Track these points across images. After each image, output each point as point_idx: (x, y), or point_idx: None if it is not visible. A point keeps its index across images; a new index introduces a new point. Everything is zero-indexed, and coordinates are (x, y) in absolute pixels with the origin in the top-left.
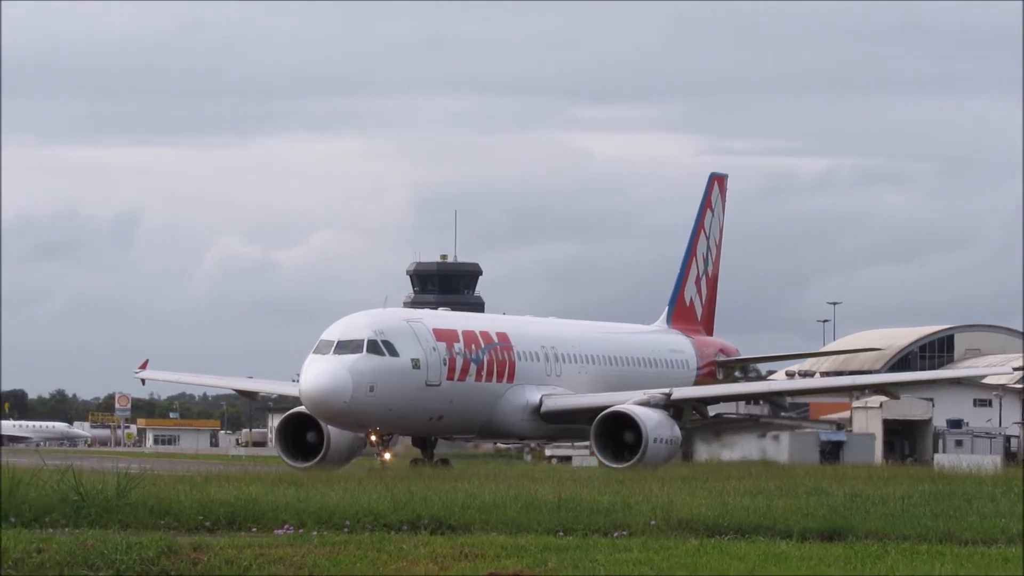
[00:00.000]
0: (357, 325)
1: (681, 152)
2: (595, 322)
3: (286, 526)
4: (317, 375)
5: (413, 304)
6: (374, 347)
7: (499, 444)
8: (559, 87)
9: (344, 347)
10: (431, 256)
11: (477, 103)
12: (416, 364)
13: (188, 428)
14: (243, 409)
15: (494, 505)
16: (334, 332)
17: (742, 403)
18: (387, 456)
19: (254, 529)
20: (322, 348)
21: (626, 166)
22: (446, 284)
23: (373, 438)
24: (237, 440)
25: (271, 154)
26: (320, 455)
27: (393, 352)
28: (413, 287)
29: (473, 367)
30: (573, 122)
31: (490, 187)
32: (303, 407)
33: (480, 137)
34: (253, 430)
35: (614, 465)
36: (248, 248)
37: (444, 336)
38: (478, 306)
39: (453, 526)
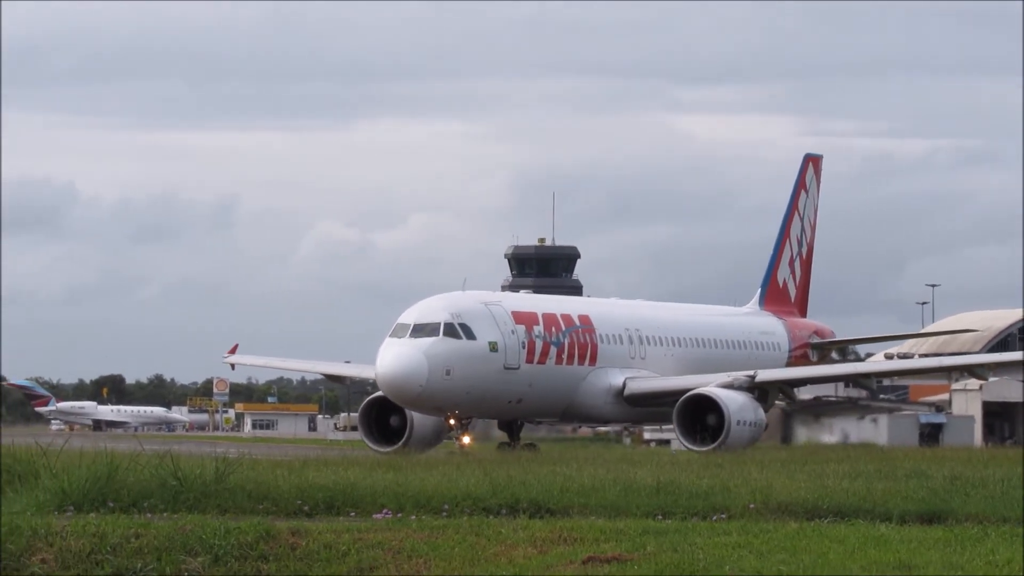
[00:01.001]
0: (434, 308)
1: (780, 134)
2: (683, 304)
3: (384, 510)
4: (393, 359)
5: (511, 288)
6: (451, 330)
7: (590, 428)
8: (658, 69)
9: (420, 330)
10: (529, 239)
11: (576, 85)
12: (494, 347)
13: (286, 413)
14: (341, 393)
15: (592, 489)
16: (410, 315)
17: (841, 385)
18: (466, 440)
19: (352, 514)
20: (398, 332)
21: (724, 148)
22: (544, 267)
23: (452, 422)
24: (335, 424)
25: (369, 137)
26: (403, 439)
27: (470, 335)
28: (511, 270)
29: (553, 350)
30: (672, 104)
31: (588, 169)
32: None
33: (579, 119)
34: (351, 414)
35: (696, 448)
36: (346, 231)
37: (523, 319)
38: (576, 290)
39: (552, 510)
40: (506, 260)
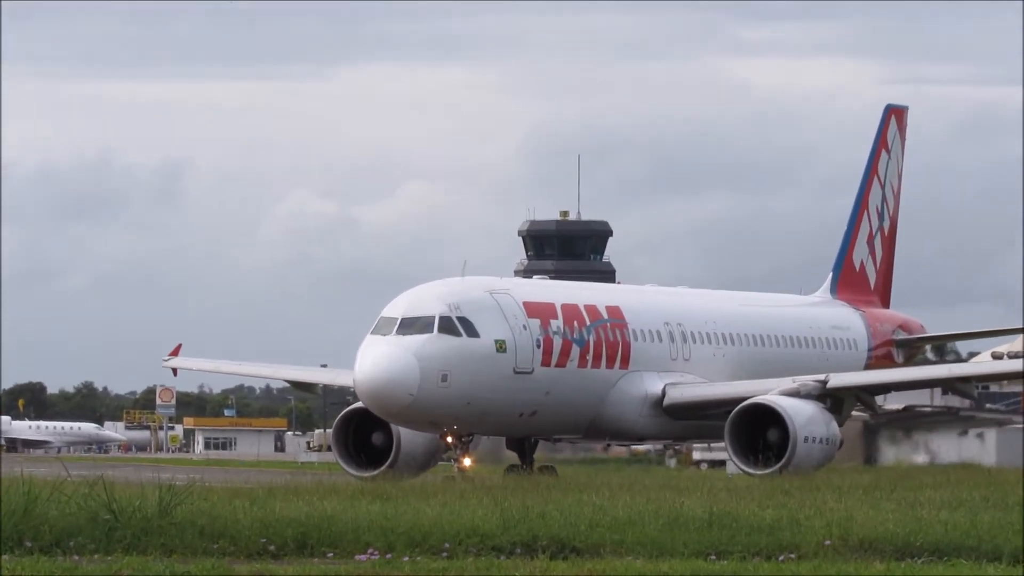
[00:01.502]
0: (427, 298)
1: (858, 81)
2: (736, 292)
3: (370, 550)
4: (375, 362)
5: (526, 272)
6: (448, 325)
7: (623, 447)
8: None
9: (410, 326)
10: (549, 213)
11: (611, 20)
12: (501, 346)
13: (247, 429)
14: (315, 405)
15: (629, 522)
16: (398, 307)
17: (937, 393)
18: (466, 462)
19: (330, 555)
20: (382, 327)
21: (790, 99)
22: (567, 247)
23: (449, 440)
24: (308, 444)
25: (352, 87)
26: (388, 461)
27: (472, 331)
28: (526, 251)
29: (575, 350)
30: (728, 45)
31: (623, 128)
32: None
33: (612, 64)
34: (327, 431)
35: (754, 471)
36: (322, 204)
37: (538, 311)
38: (606, 275)
39: (578, 548)
40: (520, 239)
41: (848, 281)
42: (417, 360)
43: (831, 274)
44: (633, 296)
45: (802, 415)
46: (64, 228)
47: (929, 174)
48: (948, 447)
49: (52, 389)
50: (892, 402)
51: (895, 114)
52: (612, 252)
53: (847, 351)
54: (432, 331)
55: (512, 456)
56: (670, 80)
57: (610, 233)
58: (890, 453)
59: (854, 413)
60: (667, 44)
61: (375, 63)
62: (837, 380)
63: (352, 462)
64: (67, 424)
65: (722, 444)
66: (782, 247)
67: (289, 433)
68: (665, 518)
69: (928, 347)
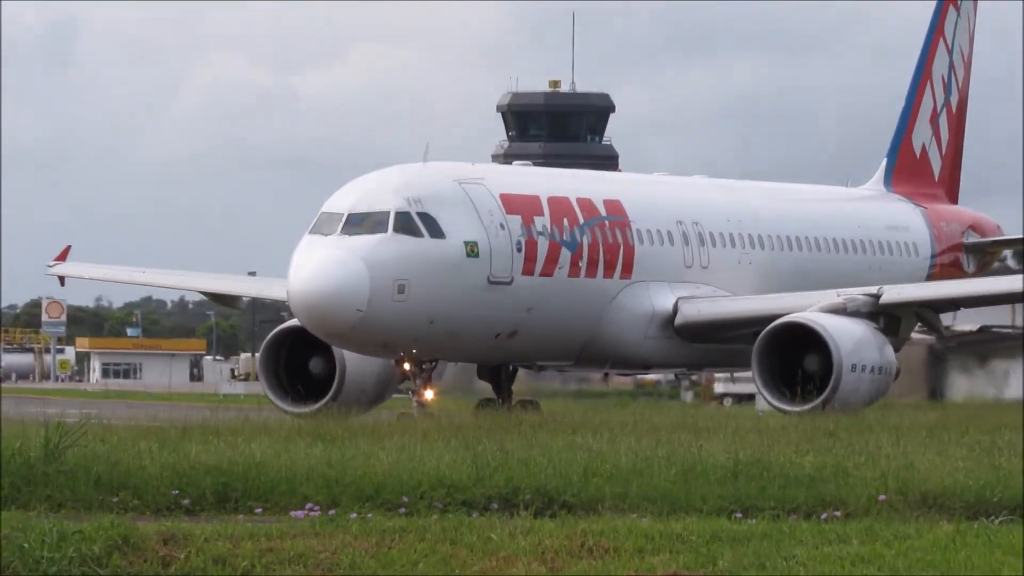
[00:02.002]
0: (380, 189)
1: None
2: (767, 183)
3: (309, 505)
4: (314, 268)
5: (506, 158)
6: (406, 223)
7: (627, 376)
8: None
9: (358, 224)
10: (536, 83)
11: None
12: (473, 250)
13: (155, 353)
14: (241, 324)
15: (633, 471)
16: (343, 200)
17: (1020, 310)
18: (428, 395)
19: (259, 510)
20: (324, 225)
21: None
22: (559, 126)
23: (407, 367)
24: (232, 371)
25: None
26: (330, 394)
27: (436, 231)
28: (507, 130)
29: (565, 254)
30: None
31: None
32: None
33: None
34: (256, 355)
35: (789, 407)
36: (252, 71)
37: (519, 206)
38: (606, 161)
39: (569, 504)
40: (499, 116)
41: (906, 170)
42: (367, 266)
43: (885, 161)
44: (638, 188)
45: (849, 337)
46: None
47: (1007, 37)
48: None
49: None
50: (962, 322)
51: None
52: (614, 133)
53: (905, 257)
54: (386, 230)
55: (486, 388)
56: None
57: (611, 109)
58: (960, 386)
59: (914, 335)
60: None
61: None
62: (893, 294)
63: (286, 395)
64: None
65: (749, 373)
66: (824, 127)
67: (208, 358)
68: (679, 466)
69: (1007, 253)
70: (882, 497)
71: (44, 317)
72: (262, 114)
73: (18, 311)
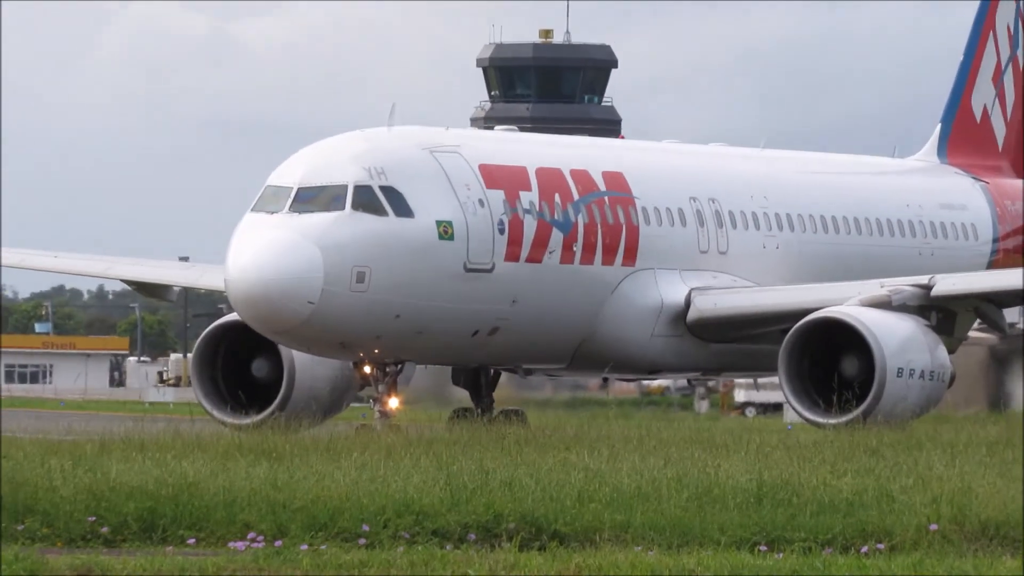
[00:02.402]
0: (336, 158)
1: None
2: (798, 153)
3: (251, 535)
4: (258, 253)
5: (487, 121)
6: (367, 199)
7: (629, 382)
8: None
9: (311, 199)
10: (523, 34)
11: None
12: (447, 231)
13: (69, 352)
14: (171, 319)
15: (638, 496)
16: (293, 172)
17: None
18: (393, 403)
19: (192, 541)
20: (269, 201)
21: None
22: (549, 83)
23: (367, 370)
24: (161, 375)
25: None
26: (277, 401)
27: (403, 208)
28: (489, 90)
29: (557, 236)
30: None
31: None
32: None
33: None
34: (189, 356)
35: (822, 419)
36: (184, 16)
37: (502, 179)
38: (608, 125)
39: (562, 534)
40: (480, 72)
41: (964, 137)
42: (320, 250)
43: (939, 127)
44: (645, 158)
45: (894, 336)
46: None
47: None
48: None
49: None
50: None
51: None
52: (615, 92)
53: (962, 241)
54: (343, 207)
55: (462, 395)
56: None
57: (613, 64)
58: None
59: (972, 334)
60: None
61: None
62: (947, 284)
63: (224, 403)
64: None
65: (775, 379)
66: (866, 86)
67: (132, 359)
68: (691, 490)
69: None
70: (934, 527)
71: None
72: (196, 68)
73: None
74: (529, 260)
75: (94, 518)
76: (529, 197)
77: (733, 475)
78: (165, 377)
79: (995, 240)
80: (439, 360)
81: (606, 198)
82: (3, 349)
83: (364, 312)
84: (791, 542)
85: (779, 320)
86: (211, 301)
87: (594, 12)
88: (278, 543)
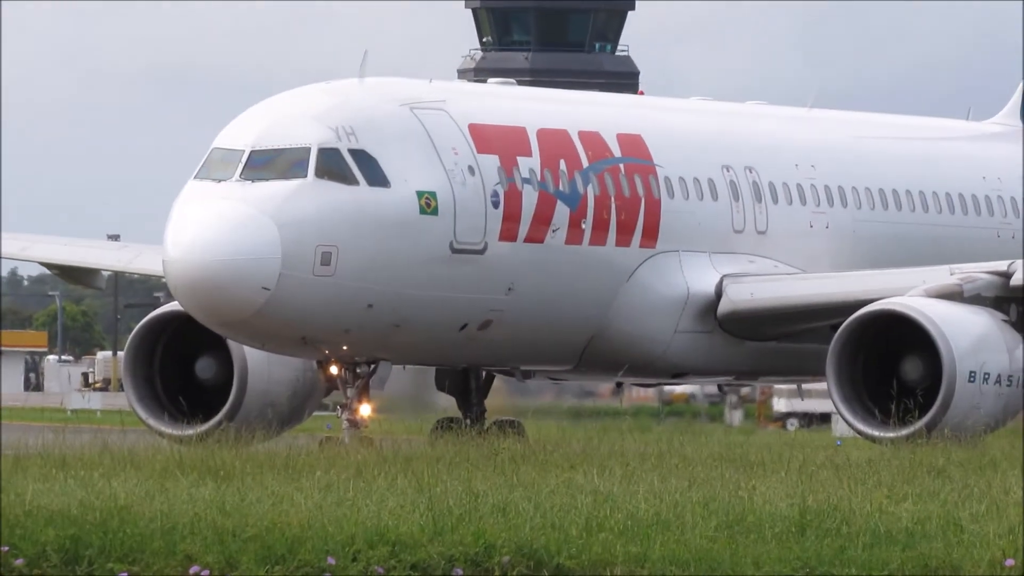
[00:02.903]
0: (297, 116)
1: None
2: (851, 113)
3: (195, 568)
4: (202, 229)
5: (478, 73)
6: (333, 165)
7: (648, 387)
8: None
9: (266, 165)
10: None
11: None
12: (430, 204)
13: None
14: (100, 310)
15: (657, 523)
16: (244, 132)
17: None
18: (363, 411)
19: (124, 575)
20: (216, 167)
21: None
22: (554, 29)
23: (334, 371)
24: (86, 377)
25: None
26: (226, 409)
27: (377, 176)
28: (480, 36)
29: (562, 211)
30: None
31: None
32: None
33: None
34: (120, 354)
35: (878, 432)
36: None
37: (496, 142)
38: (625, 78)
39: (566, 569)
40: (470, 13)
41: None
42: (277, 226)
43: (1021, 84)
44: (668, 118)
45: (966, 334)
46: None
47: None
48: None
49: None
50: None
51: None
52: (632, 40)
53: None
54: (305, 174)
55: (447, 403)
56: None
57: (630, 5)
58: None
59: None
60: None
61: None
62: None
63: (162, 411)
64: None
65: (822, 385)
66: (934, 33)
67: (52, 358)
68: (721, 516)
69: None
70: (1010, 562)
71: None
72: (128, 6)
73: None
74: (528, 240)
75: (7, 548)
76: (529, 164)
77: (771, 500)
78: (91, 380)
79: None
80: (420, 360)
81: (621, 166)
82: None
83: (330, 301)
84: None
85: (828, 314)
86: (146, 288)
87: None
88: None
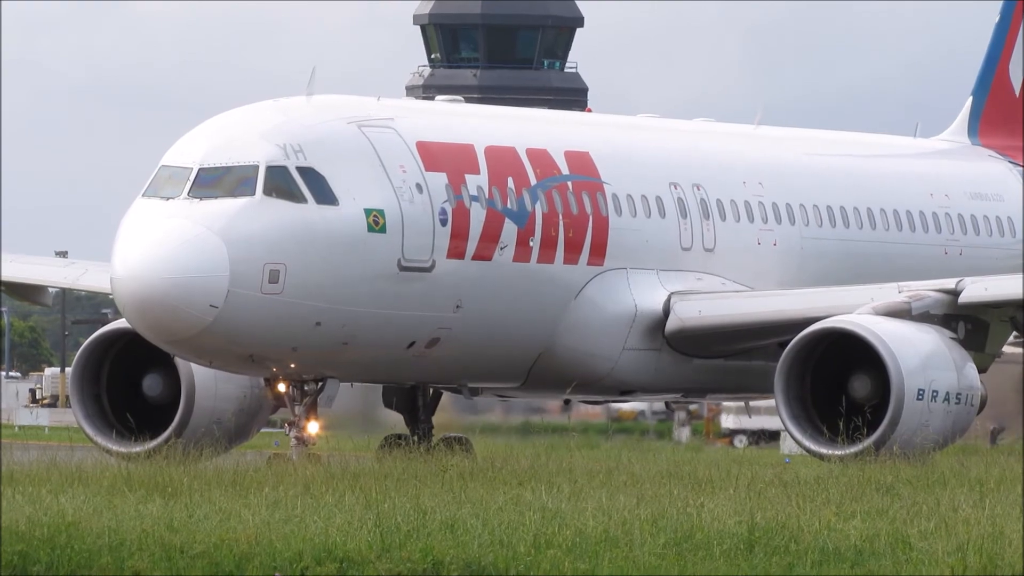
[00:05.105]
0: (245, 134)
1: None
2: (799, 131)
3: None
4: (150, 247)
5: (427, 90)
6: (281, 183)
7: (595, 404)
8: None
9: (213, 183)
10: None
11: None
12: (378, 222)
13: None
14: (45, 324)
15: (605, 540)
16: (192, 150)
17: None
18: (311, 428)
19: None
20: (164, 185)
21: None
22: (502, 46)
23: (281, 388)
24: (33, 393)
25: None
26: (173, 426)
27: (324, 195)
28: (428, 52)
29: (510, 229)
30: None
31: None
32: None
33: None
34: (67, 371)
35: (826, 450)
36: None
37: (444, 159)
38: (572, 95)
39: None
40: (419, 30)
41: (1000, 114)
42: (225, 244)
43: (970, 101)
44: (616, 136)
45: (914, 351)
46: None
47: None
48: None
49: None
50: None
51: None
52: (582, 56)
53: (996, 238)
54: (253, 192)
55: (395, 420)
56: None
57: (579, 22)
58: None
59: (1008, 349)
60: None
61: None
62: (977, 289)
63: (109, 428)
64: None
65: (771, 402)
66: (883, 51)
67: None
68: (669, 534)
69: None
70: None
71: None
72: (73, 22)
73: None
74: (476, 257)
75: None
76: (477, 181)
77: (719, 517)
78: (38, 396)
79: None
80: (368, 377)
81: (569, 183)
82: None
83: (278, 318)
84: None
85: (776, 331)
86: (94, 305)
87: None
88: None
